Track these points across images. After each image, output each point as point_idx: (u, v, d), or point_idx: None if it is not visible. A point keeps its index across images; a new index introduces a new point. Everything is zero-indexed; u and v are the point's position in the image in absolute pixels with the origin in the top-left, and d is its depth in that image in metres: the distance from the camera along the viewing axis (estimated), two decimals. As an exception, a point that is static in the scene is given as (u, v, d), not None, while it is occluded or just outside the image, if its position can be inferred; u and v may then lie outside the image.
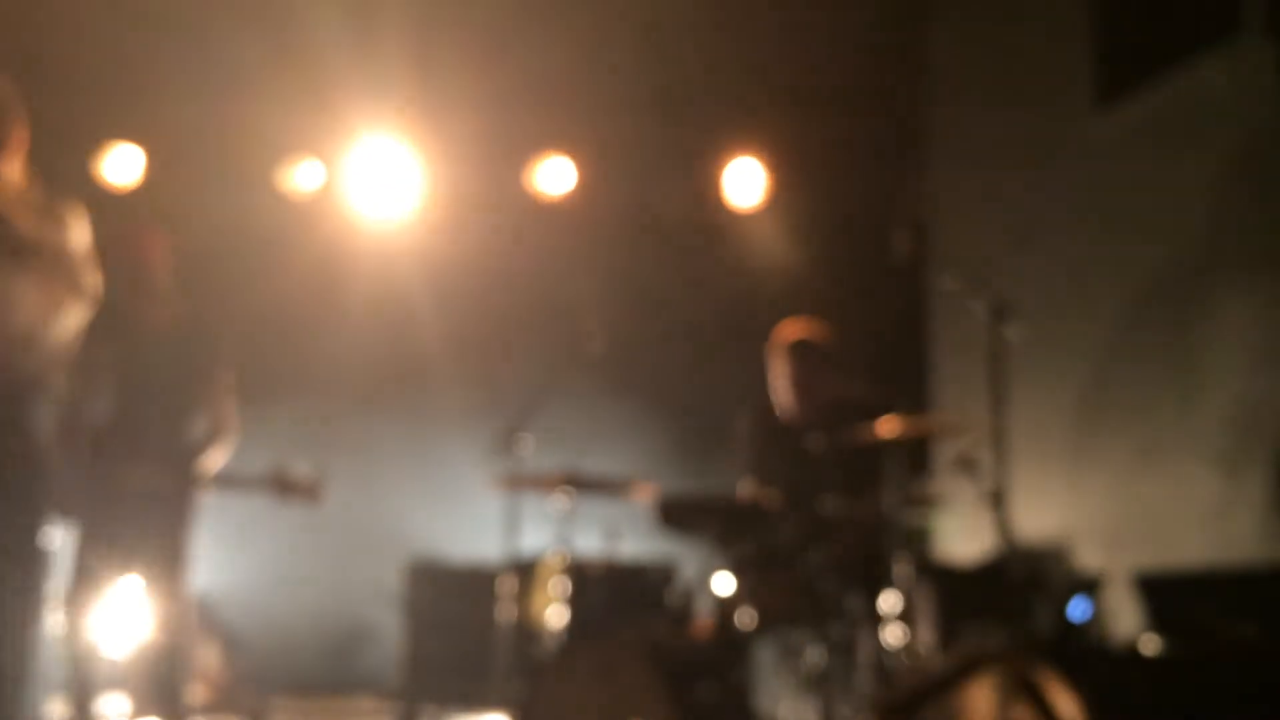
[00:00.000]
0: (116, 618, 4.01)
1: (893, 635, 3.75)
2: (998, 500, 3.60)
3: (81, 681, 3.95)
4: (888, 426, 3.81)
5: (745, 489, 4.54)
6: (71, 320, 2.94)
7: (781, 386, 4.55)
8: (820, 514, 4.06)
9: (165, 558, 4.06)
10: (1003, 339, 3.71)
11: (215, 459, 4.20)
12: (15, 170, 2.94)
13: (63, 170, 4.54)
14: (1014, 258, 5.79)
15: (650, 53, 6.25)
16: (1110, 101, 5.48)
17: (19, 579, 2.66)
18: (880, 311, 6.39)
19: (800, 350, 4.51)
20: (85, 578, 3.96)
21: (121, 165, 6.11)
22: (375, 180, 6.32)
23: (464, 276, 6.37)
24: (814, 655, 3.84)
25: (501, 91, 6.12)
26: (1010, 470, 3.65)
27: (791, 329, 4.58)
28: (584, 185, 6.52)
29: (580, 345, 4.55)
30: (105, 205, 5.84)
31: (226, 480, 4.16)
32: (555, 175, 6.50)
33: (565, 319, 5.43)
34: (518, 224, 6.46)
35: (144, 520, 4.02)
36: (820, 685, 3.82)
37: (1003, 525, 3.58)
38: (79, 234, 2.97)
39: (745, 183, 6.57)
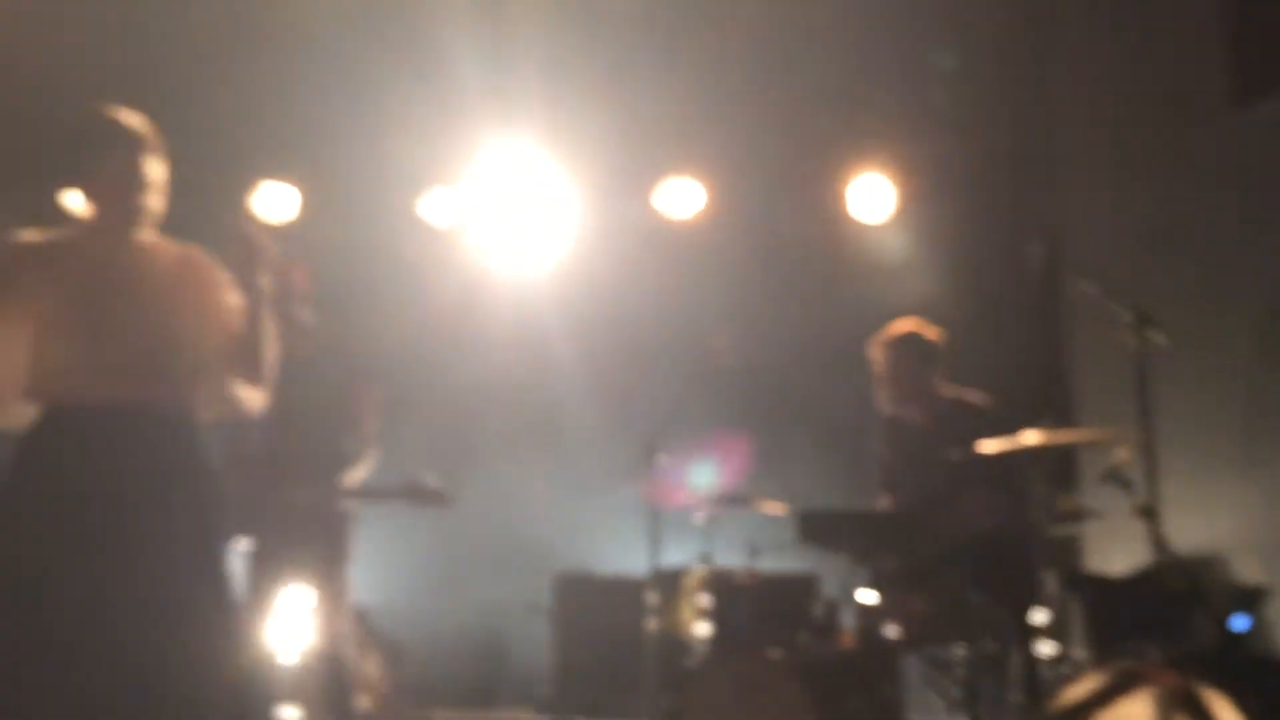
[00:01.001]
0: (288, 630, 4.24)
1: (1044, 650, 3.70)
2: (1150, 511, 3.52)
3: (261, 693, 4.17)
4: (1025, 438, 3.74)
5: (883, 503, 4.52)
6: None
7: (876, 380, 4.48)
8: (961, 526, 4.03)
9: (329, 571, 4.28)
10: (1147, 346, 3.64)
11: (359, 473, 4.42)
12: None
13: (217, 210, 4.79)
14: (1152, 263, 5.66)
15: (776, 72, 6.29)
16: (1248, 99, 5.34)
17: (220, 599, 2.85)
18: (1018, 324, 6.30)
19: (895, 344, 4.44)
20: (258, 595, 4.20)
21: (274, 202, 6.45)
22: (510, 208, 6.52)
23: (598, 298, 6.51)
24: (963, 670, 3.82)
25: (630, 118, 6.25)
26: (1162, 481, 3.58)
27: (895, 326, 4.52)
28: (713, 206, 6.61)
29: (713, 363, 4.62)
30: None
31: (367, 492, 4.38)
32: (684, 197, 6.61)
33: (697, 338, 5.51)
34: (649, 245, 6.57)
35: (306, 536, 4.25)
36: (970, 701, 3.80)
37: (1156, 536, 3.50)
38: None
39: (874, 198, 6.56)
